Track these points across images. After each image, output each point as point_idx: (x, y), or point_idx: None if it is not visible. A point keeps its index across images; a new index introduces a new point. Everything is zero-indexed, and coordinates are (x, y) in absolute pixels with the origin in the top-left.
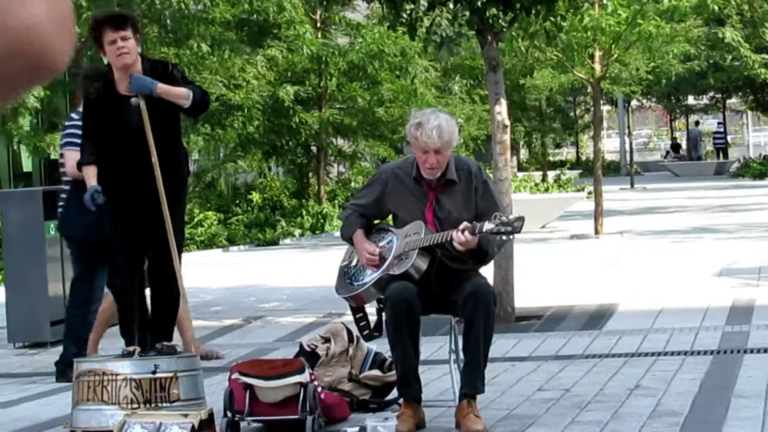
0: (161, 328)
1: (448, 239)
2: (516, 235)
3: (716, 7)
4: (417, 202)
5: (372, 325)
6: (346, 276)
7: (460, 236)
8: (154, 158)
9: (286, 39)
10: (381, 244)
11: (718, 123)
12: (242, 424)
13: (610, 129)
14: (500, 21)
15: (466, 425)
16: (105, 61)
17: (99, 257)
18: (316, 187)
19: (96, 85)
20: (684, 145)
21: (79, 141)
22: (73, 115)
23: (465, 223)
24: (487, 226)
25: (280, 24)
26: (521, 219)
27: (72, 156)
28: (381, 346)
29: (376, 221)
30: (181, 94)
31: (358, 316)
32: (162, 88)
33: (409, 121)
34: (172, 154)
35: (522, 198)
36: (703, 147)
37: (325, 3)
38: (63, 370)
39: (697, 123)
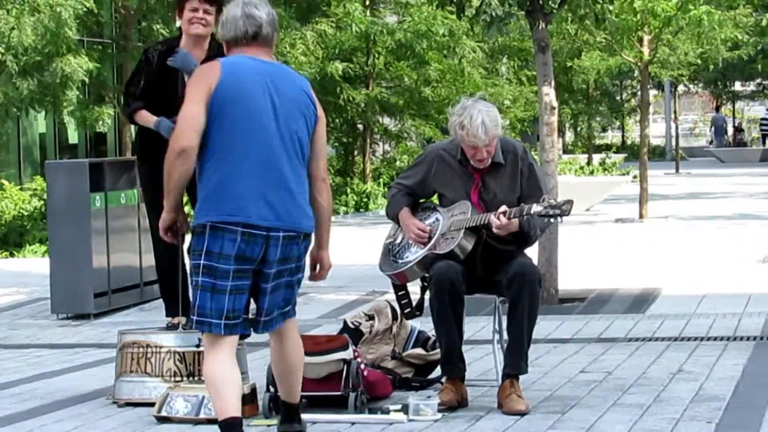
0: None
1: (488, 221)
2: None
3: None
4: (463, 184)
5: (414, 303)
6: (391, 253)
7: (495, 220)
8: None
9: (334, 16)
10: (427, 222)
11: (766, 110)
12: None
13: (656, 114)
14: (550, 2)
15: (508, 405)
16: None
17: None
18: (362, 165)
19: (160, 47)
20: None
21: None
22: None
23: (504, 207)
24: (536, 208)
25: (329, 1)
26: (570, 202)
27: None
28: (424, 324)
29: (421, 200)
30: None
31: (400, 293)
32: None
33: (451, 117)
34: None
35: (567, 180)
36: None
37: None
38: None
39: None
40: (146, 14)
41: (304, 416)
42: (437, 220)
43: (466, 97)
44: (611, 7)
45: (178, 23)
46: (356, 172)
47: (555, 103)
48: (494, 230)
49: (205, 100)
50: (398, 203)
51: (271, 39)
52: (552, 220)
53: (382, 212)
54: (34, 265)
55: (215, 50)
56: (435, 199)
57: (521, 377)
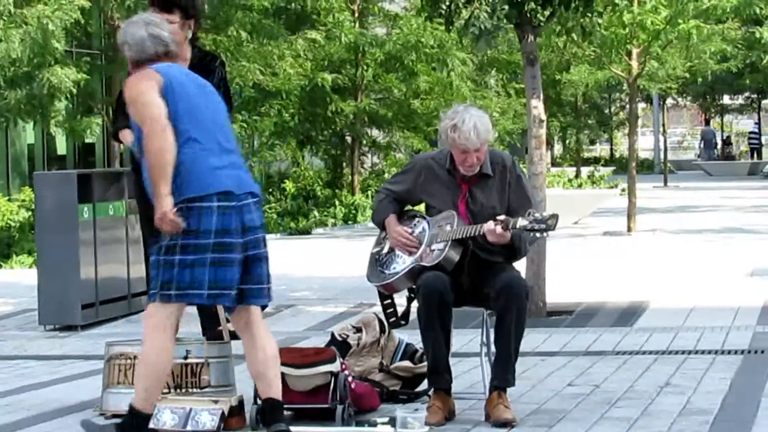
0: (207, 314)
1: (481, 232)
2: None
3: (758, 9)
4: (450, 194)
5: (399, 313)
6: (378, 263)
7: (493, 226)
8: None
9: (324, 26)
10: (414, 232)
11: (754, 123)
12: None
13: (645, 127)
14: (539, 15)
15: (495, 414)
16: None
17: None
18: (350, 177)
19: None
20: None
21: None
22: None
23: (502, 216)
24: (521, 222)
25: (319, 11)
26: (555, 217)
27: None
28: (412, 336)
29: (407, 208)
30: None
31: (385, 302)
32: None
33: (442, 121)
34: None
35: (555, 193)
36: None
37: None
38: None
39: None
40: None
41: (292, 429)
42: (423, 230)
43: (457, 104)
44: (600, 21)
45: None
46: (345, 184)
47: (543, 116)
48: (486, 235)
49: (159, 94)
50: (385, 209)
51: (177, 55)
52: (537, 234)
53: (371, 224)
54: (21, 276)
55: (196, 55)
56: (421, 208)
57: (509, 390)
